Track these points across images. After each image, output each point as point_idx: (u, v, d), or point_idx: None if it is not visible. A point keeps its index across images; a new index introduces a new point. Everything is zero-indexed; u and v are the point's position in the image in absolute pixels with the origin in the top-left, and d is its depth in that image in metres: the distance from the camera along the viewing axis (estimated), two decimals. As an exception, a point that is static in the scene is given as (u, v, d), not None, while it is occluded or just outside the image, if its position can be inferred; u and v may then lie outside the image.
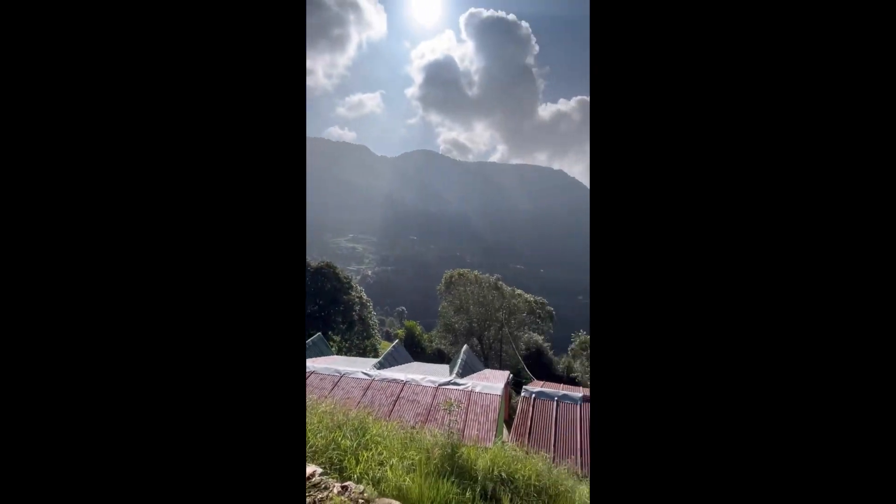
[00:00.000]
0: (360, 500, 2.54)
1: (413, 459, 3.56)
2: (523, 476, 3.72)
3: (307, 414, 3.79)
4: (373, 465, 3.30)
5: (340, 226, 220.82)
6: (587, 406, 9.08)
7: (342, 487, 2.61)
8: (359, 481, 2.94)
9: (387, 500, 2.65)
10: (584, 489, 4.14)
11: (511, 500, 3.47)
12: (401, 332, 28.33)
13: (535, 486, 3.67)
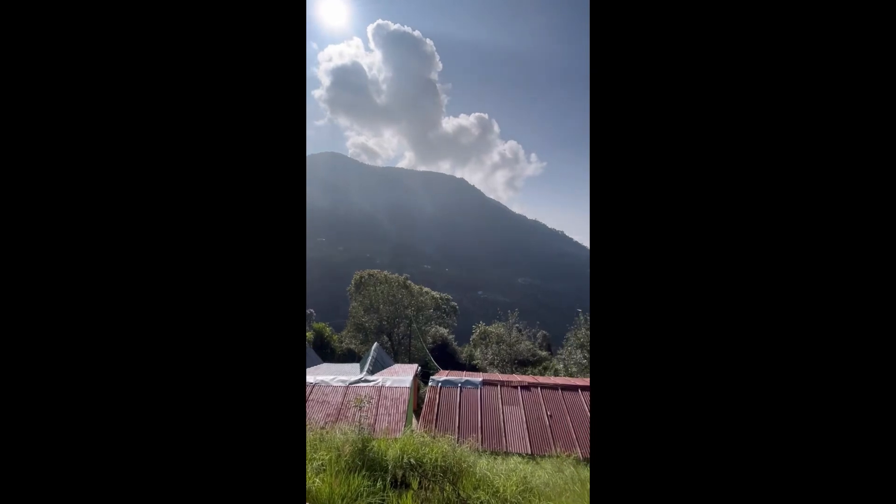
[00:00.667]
0: (266, 510, 2.33)
1: (323, 459, 3.39)
2: (430, 459, 3.81)
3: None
4: (280, 471, 3.05)
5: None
6: (486, 388, 9.66)
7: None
8: (264, 491, 2.69)
9: (295, 504, 2.48)
10: (483, 462, 4.41)
11: (419, 483, 3.52)
12: (309, 334, 26.55)
13: (441, 466, 3.79)
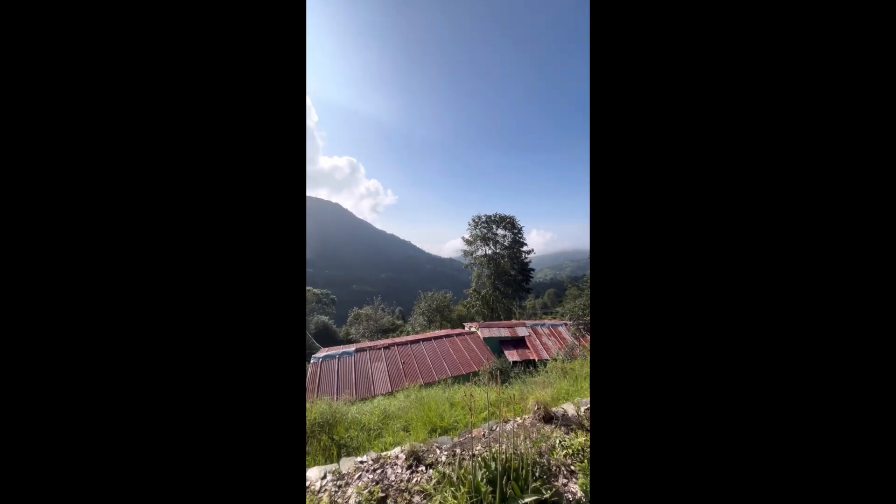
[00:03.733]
0: None
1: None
2: (309, 420, 3.30)
3: None
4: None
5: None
6: (359, 354, 9.07)
7: None
8: None
9: None
10: (354, 408, 4.11)
11: (299, 442, 3.00)
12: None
13: (318, 422, 3.32)
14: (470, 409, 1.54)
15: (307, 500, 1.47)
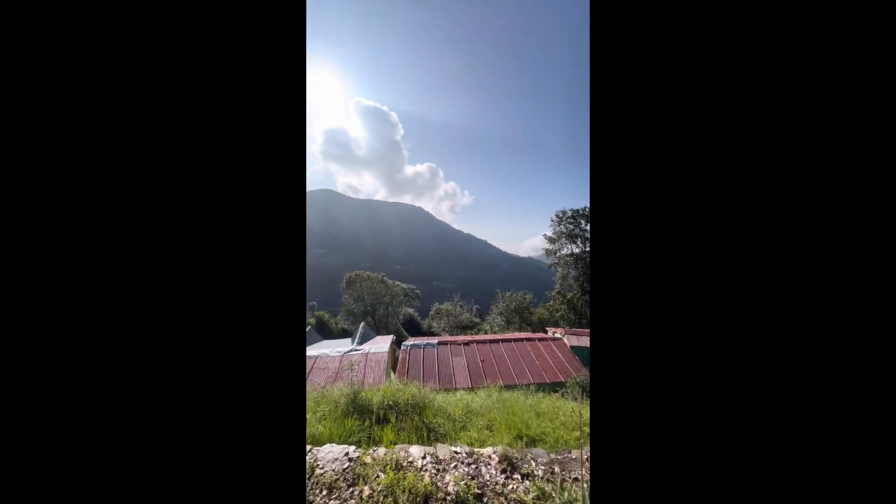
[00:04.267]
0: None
1: (324, 411, 3.13)
2: (404, 400, 3.69)
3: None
4: (290, 424, 2.73)
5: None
6: (441, 347, 9.64)
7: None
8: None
9: (303, 447, 2.23)
10: (440, 397, 4.36)
11: (396, 418, 3.39)
12: (312, 320, 24.49)
13: (411, 404, 3.68)
14: (579, 429, 1.37)
15: (411, 476, 1.61)
